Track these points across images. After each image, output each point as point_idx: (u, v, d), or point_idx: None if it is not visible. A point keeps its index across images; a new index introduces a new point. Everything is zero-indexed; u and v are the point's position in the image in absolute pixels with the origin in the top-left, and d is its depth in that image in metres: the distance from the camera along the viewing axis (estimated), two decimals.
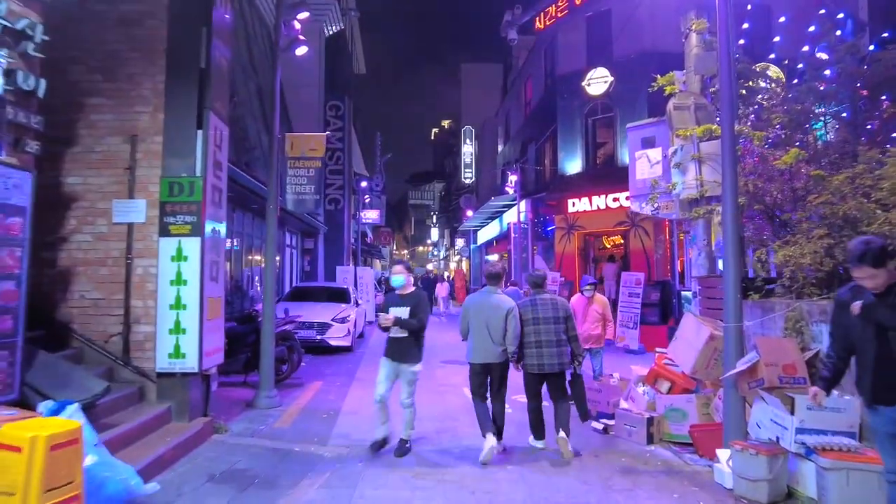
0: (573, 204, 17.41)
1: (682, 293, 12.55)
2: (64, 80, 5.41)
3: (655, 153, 7.45)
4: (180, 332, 5.40)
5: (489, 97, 35.64)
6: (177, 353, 5.40)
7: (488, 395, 5.35)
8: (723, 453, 4.57)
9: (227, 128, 6.20)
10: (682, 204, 6.91)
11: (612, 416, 6.24)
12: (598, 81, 17.03)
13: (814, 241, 5.34)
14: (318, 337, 11.58)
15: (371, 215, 25.88)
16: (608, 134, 17.38)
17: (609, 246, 18.62)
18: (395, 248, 79.21)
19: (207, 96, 5.66)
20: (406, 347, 5.20)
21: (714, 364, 5.50)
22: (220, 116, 5.95)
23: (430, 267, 52.30)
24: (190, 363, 5.43)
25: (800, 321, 5.11)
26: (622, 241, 18.28)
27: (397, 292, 5.43)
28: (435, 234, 66.89)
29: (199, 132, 5.59)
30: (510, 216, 20.81)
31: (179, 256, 5.44)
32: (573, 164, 17.87)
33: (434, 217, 68.75)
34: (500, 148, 29.44)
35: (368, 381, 9.08)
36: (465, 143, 38.71)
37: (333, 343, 11.66)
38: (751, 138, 6.54)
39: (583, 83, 17.15)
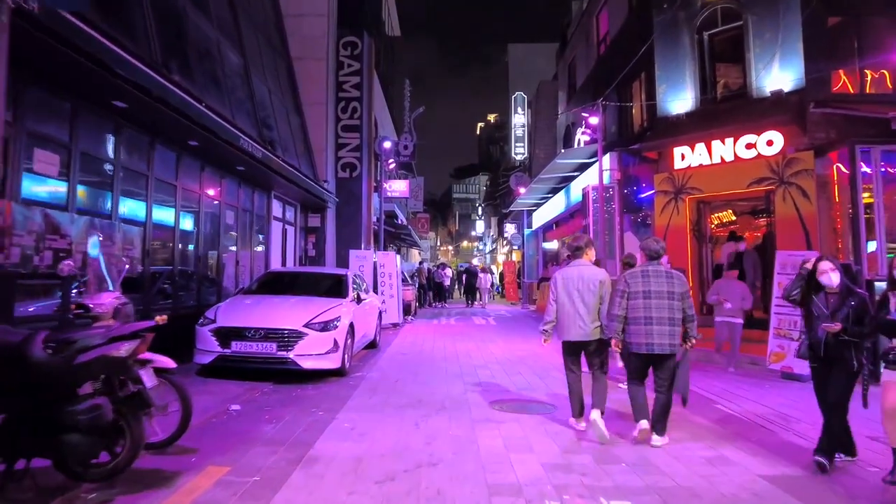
0: (682, 156, 12.00)
1: (877, 284, 7.84)
2: None
3: None
4: None
5: (539, 80, 30.24)
6: None
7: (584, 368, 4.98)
8: None
9: None
10: None
11: None
12: None
13: None
14: (280, 354, 6.75)
15: (398, 187, 20.81)
16: (735, 53, 11.86)
17: (714, 225, 13.09)
18: (438, 242, 74.91)
19: None
20: None
21: None
22: None
23: (475, 262, 47.83)
24: None
25: None
26: (734, 219, 12.79)
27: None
28: (480, 226, 62.06)
29: None
30: (584, 181, 15.37)
31: None
32: (680, 101, 12.40)
33: (479, 209, 63.97)
34: (560, 112, 24.07)
35: (340, 462, 3.80)
36: (515, 112, 33.15)
37: (306, 365, 6.80)
38: None
39: None
